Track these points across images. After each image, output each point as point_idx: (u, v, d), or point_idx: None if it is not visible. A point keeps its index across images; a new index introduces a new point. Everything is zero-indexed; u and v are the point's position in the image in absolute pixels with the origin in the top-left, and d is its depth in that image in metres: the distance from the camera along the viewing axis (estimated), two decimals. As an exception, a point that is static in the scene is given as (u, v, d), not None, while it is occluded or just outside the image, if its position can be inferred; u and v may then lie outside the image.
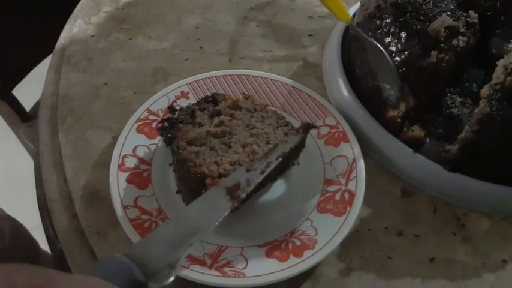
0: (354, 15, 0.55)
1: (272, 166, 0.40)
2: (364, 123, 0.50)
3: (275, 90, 0.53)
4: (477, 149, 0.43)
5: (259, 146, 0.43)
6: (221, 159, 0.41)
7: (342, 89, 0.52)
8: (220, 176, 0.40)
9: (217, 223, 0.36)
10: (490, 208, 0.46)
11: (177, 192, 0.44)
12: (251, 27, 0.63)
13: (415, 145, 0.48)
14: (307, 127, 0.45)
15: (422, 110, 0.49)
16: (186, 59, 0.58)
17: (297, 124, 0.49)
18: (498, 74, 0.43)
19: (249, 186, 0.38)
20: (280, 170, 0.45)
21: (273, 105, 0.51)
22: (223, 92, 0.52)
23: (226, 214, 0.36)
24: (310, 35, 0.62)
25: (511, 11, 0.52)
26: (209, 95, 0.48)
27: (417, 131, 0.47)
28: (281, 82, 0.53)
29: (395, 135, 0.48)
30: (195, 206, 0.37)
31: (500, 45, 0.53)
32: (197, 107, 0.45)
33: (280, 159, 0.41)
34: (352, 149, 0.47)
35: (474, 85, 0.51)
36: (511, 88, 0.41)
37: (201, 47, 0.60)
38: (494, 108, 0.42)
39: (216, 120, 0.44)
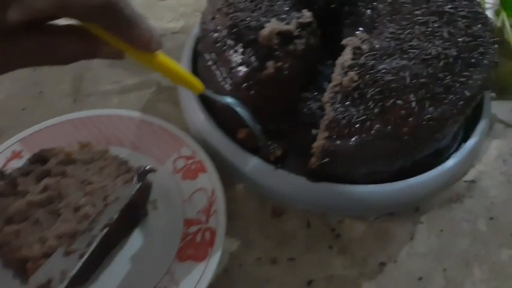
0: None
1: (96, 241, 0.35)
2: (222, 147, 0.46)
3: (123, 128, 0.47)
4: (333, 154, 0.41)
5: (94, 206, 0.37)
6: (47, 233, 0.35)
7: (197, 112, 0.48)
8: (45, 255, 0.34)
9: None
10: (361, 210, 0.44)
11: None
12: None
13: (280, 161, 0.45)
14: (142, 174, 0.40)
15: (278, 121, 0.46)
16: (24, 109, 0.52)
17: (150, 162, 0.45)
18: (336, 74, 0.40)
19: (63, 281, 0.32)
20: (127, 226, 0.41)
21: (122, 146, 0.46)
22: (66, 142, 0.46)
23: None
24: (163, 55, 0.57)
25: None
26: (37, 152, 0.42)
27: (277, 150, 0.44)
28: (128, 117, 0.48)
29: (255, 153, 0.45)
30: None
31: (351, 35, 0.51)
32: (19, 173, 0.39)
33: (107, 229, 0.36)
34: (210, 179, 0.43)
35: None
36: (349, 88, 0.39)
37: (40, 92, 0.53)
38: (338, 111, 0.39)
39: (41, 185, 0.38)
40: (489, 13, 0.63)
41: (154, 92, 0.53)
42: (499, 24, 0.58)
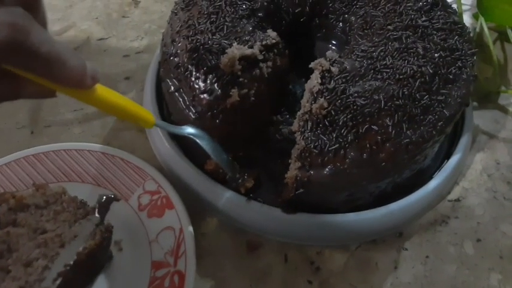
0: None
1: None
2: (190, 178, 0.43)
3: (83, 163, 0.44)
4: (307, 185, 0.38)
5: (47, 259, 0.34)
6: (-6, 294, 0.32)
7: (163, 141, 0.45)
8: (-8, 320, 0.31)
9: None
10: (342, 240, 0.41)
11: None
12: (56, 84, 0.53)
13: (251, 190, 0.42)
14: (105, 204, 0.37)
15: (249, 148, 0.43)
16: (-24, 145, 0.48)
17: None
18: (304, 101, 0.37)
19: None
20: (89, 271, 0.38)
21: (83, 182, 0.43)
22: (21, 182, 0.43)
23: None
24: (127, 78, 0.54)
25: (322, 12, 0.47)
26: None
27: (247, 182, 0.41)
28: (88, 151, 0.45)
29: (226, 184, 0.42)
30: None
31: (324, 49, 0.49)
32: (-36, 225, 0.36)
33: (61, 279, 0.32)
34: (178, 217, 0.40)
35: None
36: (319, 116, 0.36)
37: (-5, 125, 0.50)
38: (309, 141, 0.36)
39: (-11, 238, 0.35)
40: (467, 15, 0.61)
41: (118, 120, 0.50)
42: (477, 28, 0.56)
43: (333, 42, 0.49)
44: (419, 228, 0.43)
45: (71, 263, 0.34)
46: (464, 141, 0.45)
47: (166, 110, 0.46)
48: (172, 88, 0.42)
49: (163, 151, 0.45)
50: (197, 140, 0.37)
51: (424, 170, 0.43)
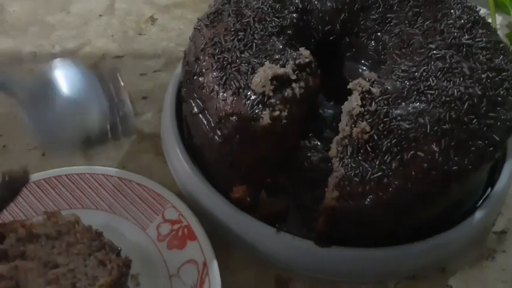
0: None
1: None
2: (213, 206, 0.39)
3: (98, 188, 0.41)
4: (345, 216, 0.35)
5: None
6: None
7: (183, 163, 0.42)
8: None
9: None
10: (380, 276, 0.38)
11: None
12: (69, 104, 0.51)
13: (278, 220, 0.39)
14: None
15: (277, 175, 0.40)
16: (-16, 167, 0.45)
17: (129, 228, 0.39)
18: (343, 125, 0.34)
19: None
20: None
21: (97, 209, 0.40)
22: (31, 209, 0.40)
23: None
24: (144, 98, 0.51)
25: (354, 30, 0.45)
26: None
27: (278, 204, 0.38)
28: (103, 175, 0.42)
29: (253, 213, 0.38)
30: None
31: (354, 69, 0.46)
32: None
33: None
34: (201, 249, 0.37)
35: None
36: (361, 141, 0.33)
37: (4, 146, 0.47)
38: (349, 168, 0.33)
39: (-4, 272, 0.32)
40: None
41: (134, 141, 0.47)
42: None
43: (363, 61, 0.46)
44: (464, 263, 0.39)
45: None
46: (508, 167, 0.41)
47: (187, 133, 0.43)
48: (195, 109, 0.40)
49: (184, 176, 0.42)
50: None
51: (466, 199, 0.40)
